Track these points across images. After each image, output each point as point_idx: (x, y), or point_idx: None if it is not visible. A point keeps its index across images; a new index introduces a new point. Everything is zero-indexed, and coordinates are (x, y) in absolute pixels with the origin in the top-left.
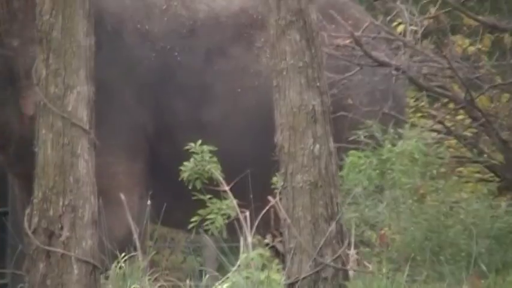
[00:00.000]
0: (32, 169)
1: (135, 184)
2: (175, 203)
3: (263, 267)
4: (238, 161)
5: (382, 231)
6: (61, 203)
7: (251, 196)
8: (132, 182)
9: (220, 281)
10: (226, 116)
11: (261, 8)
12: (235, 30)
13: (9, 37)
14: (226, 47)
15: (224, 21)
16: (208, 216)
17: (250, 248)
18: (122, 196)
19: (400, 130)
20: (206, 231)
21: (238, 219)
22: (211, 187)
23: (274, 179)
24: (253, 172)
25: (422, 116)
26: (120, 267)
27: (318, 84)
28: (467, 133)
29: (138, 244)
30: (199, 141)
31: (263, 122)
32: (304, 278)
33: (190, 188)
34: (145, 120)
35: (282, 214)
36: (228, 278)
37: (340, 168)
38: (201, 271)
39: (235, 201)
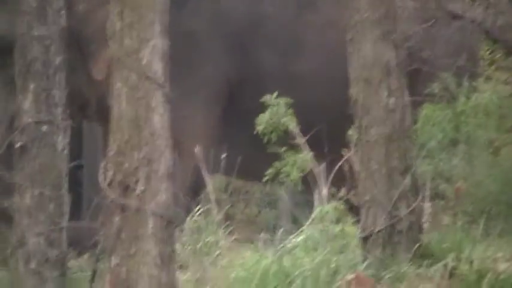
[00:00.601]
0: None
1: (209, 135)
2: (251, 154)
3: (338, 221)
4: (321, 113)
5: (457, 185)
6: (136, 157)
7: (326, 149)
8: (205, 133)
9: (295, 234)
10: (313, 68)
11: None
12: None
13: (77, 4)
14: (315, 0)
15: None
16: (284, 169)
17: (325, 201)
18: (194, 148)
19: (475, 83)
20: (281, 184)
21: (313, 172)
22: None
23: (349, 132)
24: (330, 125)
25: (497, 69)
26: (195, 221)
27: (393, 37)
28: None
29: (212, 197)
30: (275, 94)
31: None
32: (379, 231)
33: (266, 140)
34: (231, 70)
35: (357, 167)
36: (302, 231)
37: (415, 121)
38: (275, 224)
39: (310, 154)
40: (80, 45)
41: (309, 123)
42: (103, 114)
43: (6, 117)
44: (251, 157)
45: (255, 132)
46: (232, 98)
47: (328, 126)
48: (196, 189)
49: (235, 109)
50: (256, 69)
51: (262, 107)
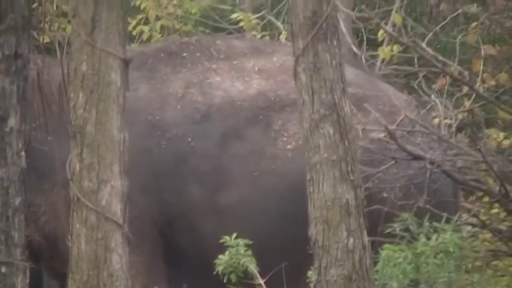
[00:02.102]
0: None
1: (142, 275)
2: None
3: None
4: (259, 247)
5: None
6: None
7: None
8: (137, 273)
9: None
10: (244, 201)
11: (282, 91)
12: (251, 113)
13: (44, 132)
14: (241, 130)
15: (240, 104)
16: None
17: None
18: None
19: (435, 223)
20: None
21: None
22: (246, 280)
23: (309, 273)
24: (284, 263)
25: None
26: None
27: (352, 177)
28: (503, 226)
29: None
30: (234, 235)
31: (281, 206)
32: None
33: (224, 281)
34: (152, 210)
35: None
36: None
37: (375, 262)
38: None
39: None
40: (47, 173)
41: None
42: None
43: None
44: None
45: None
46: (165, 236)
47: (275, 264)
48: None
49: (175, 245)
50: (185, 205)
51: (204, 242)
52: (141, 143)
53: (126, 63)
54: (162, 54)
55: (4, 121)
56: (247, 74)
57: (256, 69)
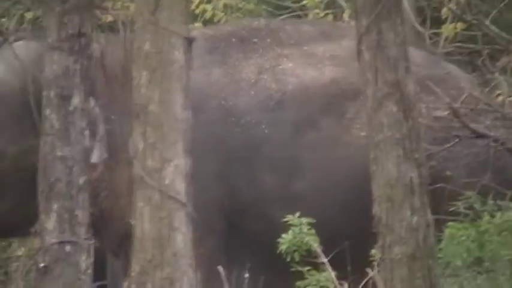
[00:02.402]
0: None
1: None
2: (272, 275)
3: None
4: (330, 233)
5: None
6: (159, 277)
7: (349, 268)
8: (218, 255)
9: None
10: (318, 188)
11: (354, 79)
12: (325, 101)
13: (108, 111)
14: (316, 118)
15: (313, 92)
16: None
17: None
18: (220, 268)
19: (499, 202)
20: None
21: None
22: (309, 259)
23: (373, 251)
24: (351, 243)
25: None
26: None
27: (416, 156)
28: None
29: None
30: (298, 213)
31: (355, 193)
32: None
33: (288, 260)
34: (224, 197)
35: (380, 286)
36: None
37: (439, 240)
38: None
39: (333, 273)
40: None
41: (324, 242)
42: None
43: None
44: (273, 276)
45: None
46: (234, 221)
47: (350, 245)
48: None
49: (245, 232)
50: (258, 192)
51: (277, 228)
52: (214, 128)
53: (189, 41)
54: (233, 39)
55: (68, 100)
56: (318, 60)
57: (327, 55)
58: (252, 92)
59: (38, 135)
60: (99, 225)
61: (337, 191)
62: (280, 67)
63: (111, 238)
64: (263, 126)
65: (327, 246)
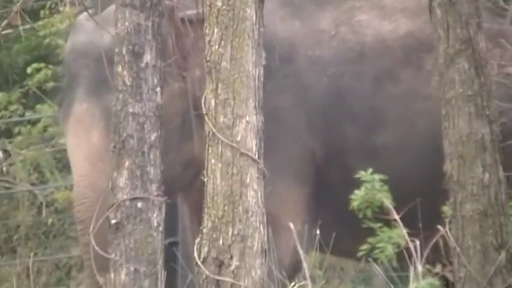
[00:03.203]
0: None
1: (303, 211)
2: (344, 231)
3: None
4: (408, 187)
5: None
6: (230, 233)
7: (420, 225)
8: (300, 208)
9: None
10: (398, 140)
11: (428, 31)
12: (403, 53)
13: (180, 68)
14: (395, 71)
15: (391, 44)
16: (378, 245)
17: (420, 277)
18: (291, 224)
19: None
20: (375, 260)
21: (408, 248)
22: (381, 215)
23: (444, 208)
24: (423, 200)
25: None
26: None
27: (487, 112)
28: None
29: (307, 273)
30: (370, 170)
31: (434, 147)
32: None
33: (360, 216)
34: (315, 146)
35: (452, 243)
36: None
37: (511, 197)
38: None
39: (405, 230)
40: (196, 109)
41: (401, 196)
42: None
43: None
44: (345, 233)
45: (349, 208)
46: (320, 173)
47: (421, 201)
48: (295, 266)
49: (325, 184)
50: (340, 144)
51: (354, 181)
52: (302, 78)
53: None
54: None
55: (140, 57)
56: (391, 12)
57: (398, 7)
58: (334, 43)
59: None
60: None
61: (415, 144)
62: (356, 19)
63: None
64: (346, 78)
65: (401, 200)
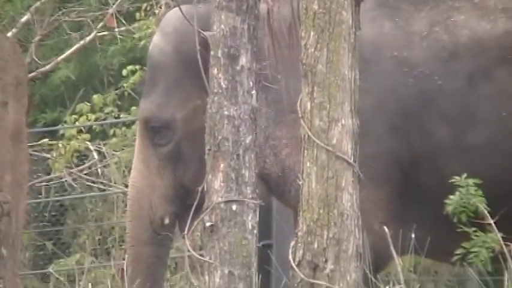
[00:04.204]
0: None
1: (382, 211)
2: (438, 234)
3: None
4: (501, 188)
5: None
6: (325, 236)
7: None
8: (378, 209)
9: None
10: (491, 141)
11: None
12: (499, 53)
13: (274, 71)
14: (490, 70)
15: (487, 43)
16: (473, 249)
17: None
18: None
19: None
20: (470, 264)
21: (502, 253)
22: (475, 220)
23: None
24: None
25: None
26: None
27: None
28: None
29: (401, 277)
30: (465, 175)
31: None
32: None
33: (454, 220)
34: (399, 148)
35: None
36: None
37: None
38: None
39: (499, 235)
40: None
41: (496, 197)
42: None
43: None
44: (440, 237)
45: (444, 212)
46: (408, 175)
47: None
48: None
49: (416, 186)
50: (430, 145)
51: (440, 184)
52: (387, 79)
53: (357, 1)
54: None
55: (235, 60)
56: (491, 12)
57: (499, 7)
58: (425, 44)
59: (201, 97)
60: (282, 183)
61: (509, 145)
62: (452, 19)
63: (297, 196)
64: (436, 78)
65: (494, 202)
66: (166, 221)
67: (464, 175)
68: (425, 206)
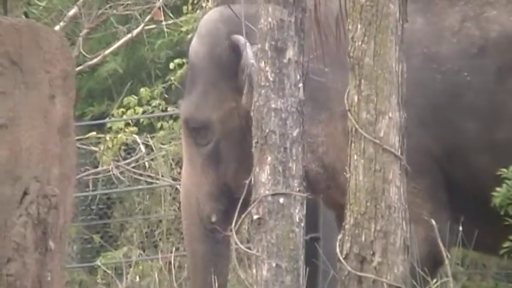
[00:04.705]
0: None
1: (426, 201)
2: (486, 227)
3: None
4: None
5: None
6: (373, 229)
7: None
8: (422, 199)
9: None
10: None
11: None
12: None
13: (321, 63)
14: None
15: None
16: None
17: None
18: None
19: None
20: None
21: None
22: None
23: None
24: None
25: None
26: None
27: None
28: None
29: (449, 270)
30: None
31: None
32: None
33: (502, 213)
34: (429, 143)
35: None
36: None
37: None
38: None
39: None
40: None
41: None
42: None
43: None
44: (487, 230)
45: (491, 205)
46: (444, 169)
47: None
48: (435, 263)
49: (454, 180)
50: (460, 139)
51: (473, 177)
52: (417, 75)
53: None
54: None
55: (282, 52)
56: None
57: None
58: (454, 40)
59: (236, 99)
60: (323, 180)
61: None
62: (485, 14)
63: (340, 191)
64: (465, 74)
65: None
66: (214, 218)
67: (511, 167)
68: (465, 198)
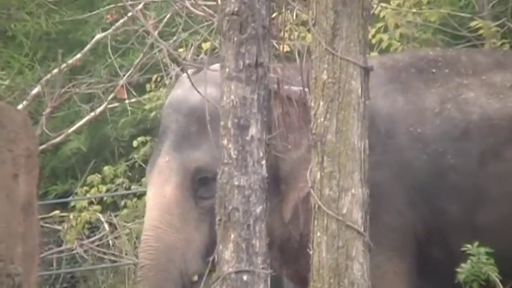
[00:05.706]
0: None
1: (405, 283)
2: None
3: None
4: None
5: None
6: None
7: None
8: (401, 280)
9: None
10: (500, 220)
11: None
12: (509, 132)
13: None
14: (500, 150)
15: (497, 123)
16: None
17: None
18: None
19: None
20: None
21: None
22: None
23: None
24: None
25: None
26: None
27: None
28: None
29: None
30: (476, 243)
31: None
32: None
33: None
34: (415, 222)
35: None
36: None
37: None
38: None
39: None
40: (276, 183)
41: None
42: (285, 261)
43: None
44: None
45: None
46: (421, 249)
47: None
48: None
49: (427, 260)
50: (441, 220)
51: (451, 259)
52: (403, 154)
53: (366, 71)
54: (412, 70)
55: (245, 130)
56: (499, 90)
57: (508, 85)
58: (437, 121)
59: None
60: (297, 250)
61: None
62: (463, 96)
63: (308, 265)
64: (449, 156)
65: (506, 277)
66: (195, 278)
67: (476, 243)
68: (436, 279)
